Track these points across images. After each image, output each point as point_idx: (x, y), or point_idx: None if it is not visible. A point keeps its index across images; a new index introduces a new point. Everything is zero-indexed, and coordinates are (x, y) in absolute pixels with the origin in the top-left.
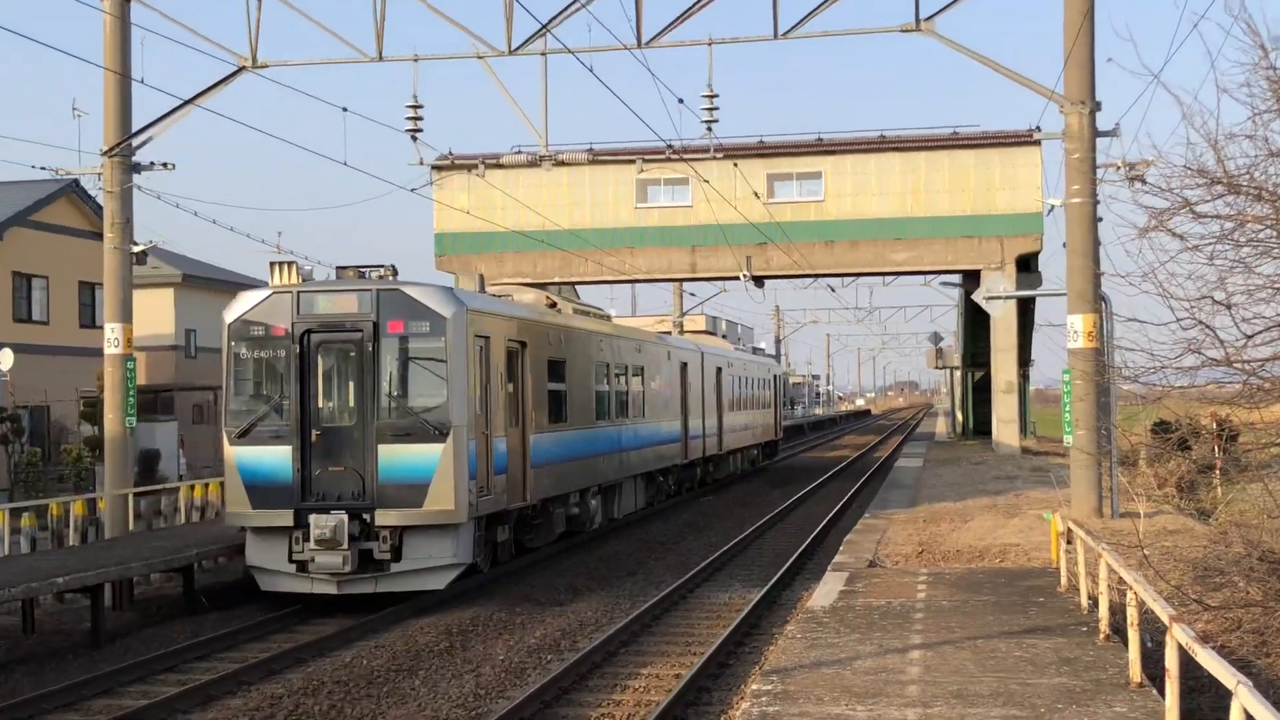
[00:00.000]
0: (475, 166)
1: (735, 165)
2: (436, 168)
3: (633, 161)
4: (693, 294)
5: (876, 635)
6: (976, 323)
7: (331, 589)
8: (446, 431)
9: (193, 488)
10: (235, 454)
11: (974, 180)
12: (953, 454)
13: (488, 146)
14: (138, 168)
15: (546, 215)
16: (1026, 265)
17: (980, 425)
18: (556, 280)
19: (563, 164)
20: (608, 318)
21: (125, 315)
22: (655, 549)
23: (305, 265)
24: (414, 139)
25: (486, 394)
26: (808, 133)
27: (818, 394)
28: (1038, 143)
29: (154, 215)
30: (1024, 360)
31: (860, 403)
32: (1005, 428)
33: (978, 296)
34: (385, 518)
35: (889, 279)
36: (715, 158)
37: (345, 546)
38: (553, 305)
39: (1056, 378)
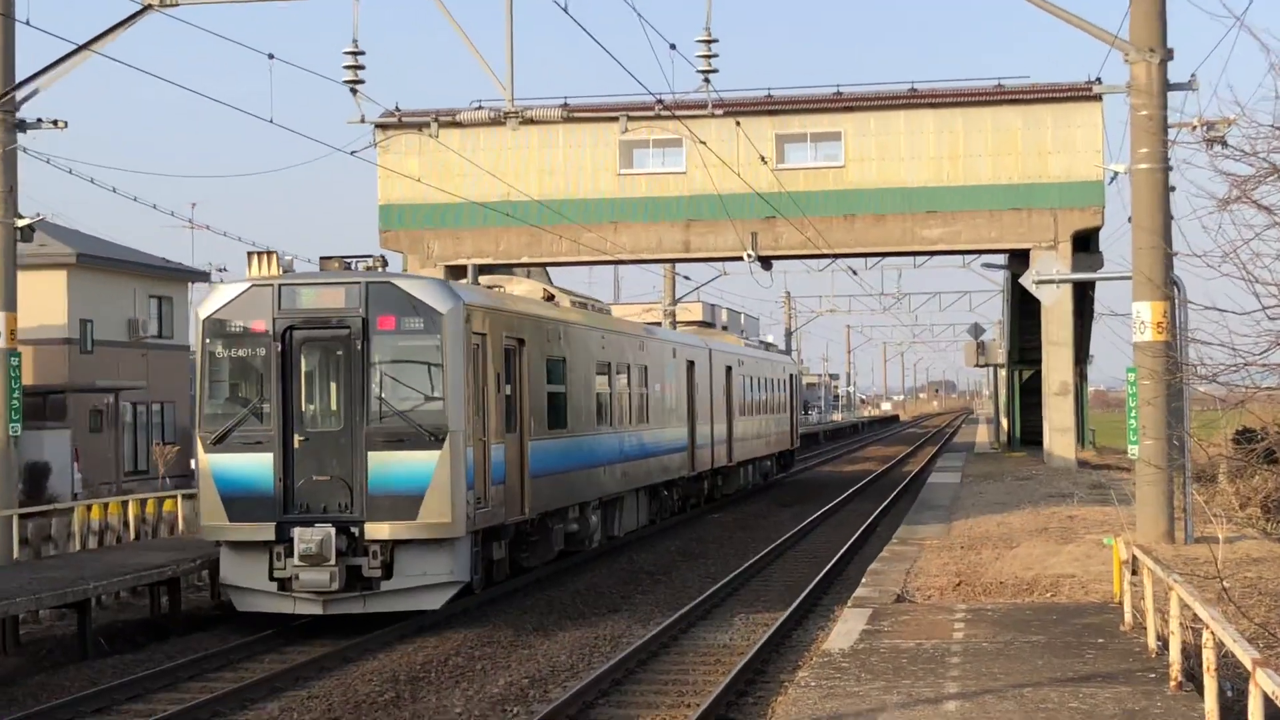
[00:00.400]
0: (427, 125)
1: (738, 124)
2: (381, 126)
3: (615, 119)
4: (687, 278)
5: (905, 683)
6: (1025, 312)
7: (316, 609)
8: (443, 437)
9: (90, 508)
10: (211, 462)
11: (1022, 143)
12: (996, 468)
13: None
14: (22, 125)
15: (512, 183)
16: (1084, 244)
17: (1029, 434)
18: (524, 261)
19: (532, 122)
20: (607, 310)
21: (8, 302)
22: (644, 580)
23: (286, 255)
24: (354, 92)
25: (483, 396)
26: (825, 85)
27: (835, 396)
28: (1098, 98)
29: (43, 182)
30: (1081, 356)
31: (886, 407)
32: (1058, 436)
33: (1026, 280)
34: (376, 531)
35: (921, 260)
36: (714, 115)
37: (333, 562)
38: (550, 298)
39: (1119, 377)
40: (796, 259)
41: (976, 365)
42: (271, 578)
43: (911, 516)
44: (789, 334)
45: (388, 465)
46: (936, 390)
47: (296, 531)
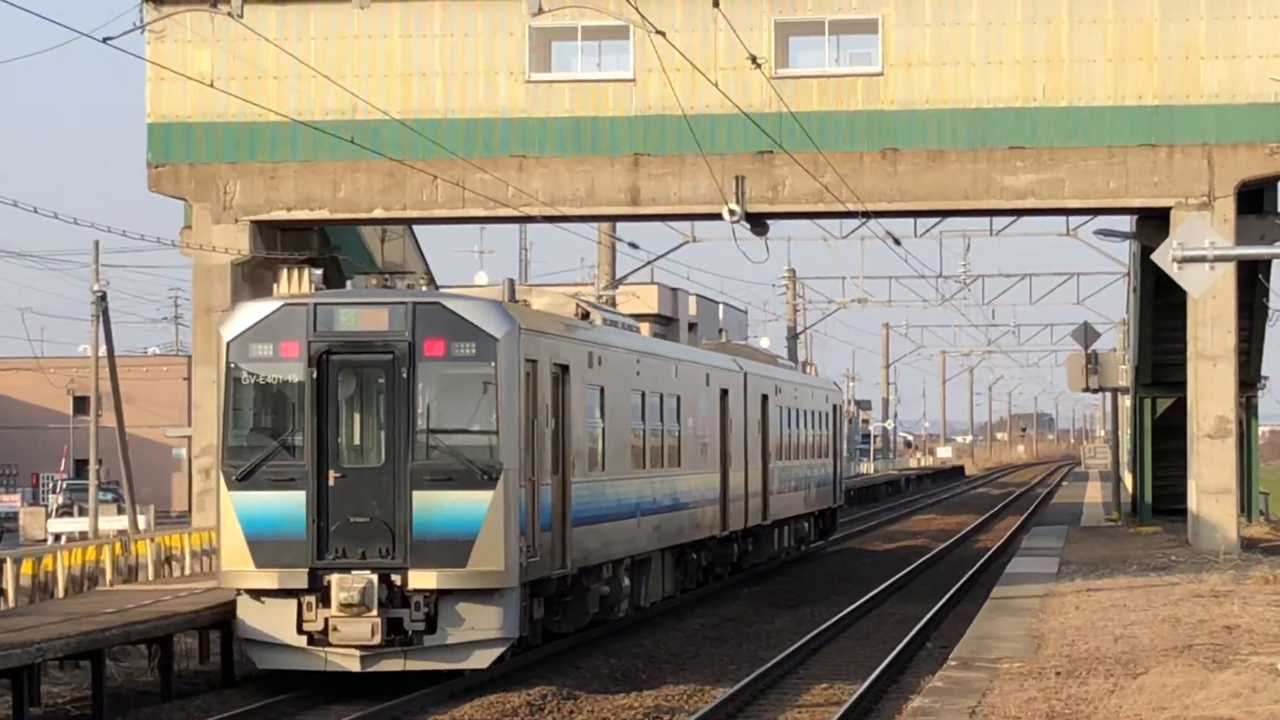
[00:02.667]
0: None
1: (716, 5)
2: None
3: None
4: (634, 245)
5: None
6: (1162, 308)
7: (354, 665)
8: (496, 475)
9: None
10: (235, 500)
11: (1159, 39)
12: (1113, 550)
13: None
14: None
15: (360, 93)
16: (1255, 201)
17: (1166, 497)
18: (377, 215)
19: None
20: (634, 328)
21: None
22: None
23: (317, 271)
24: None
25: (533, 431)
26: None
27: (866, 436)
28: None
29: None
30: (1249, 377)
31: (945, 453)
32: (1212, 502)
33: (1163, 257)
34: (421, 580)
35: (1001, 224)
36: None
37: (374, 613)
38: (585, 316)
39: None
40: (806, 218)
41: (1086, 389)
42: (300, 630)
43: (981, 624)
44: (793, 335)
45: (435, 506)
46: (1023, 429)
47: (334, 579)
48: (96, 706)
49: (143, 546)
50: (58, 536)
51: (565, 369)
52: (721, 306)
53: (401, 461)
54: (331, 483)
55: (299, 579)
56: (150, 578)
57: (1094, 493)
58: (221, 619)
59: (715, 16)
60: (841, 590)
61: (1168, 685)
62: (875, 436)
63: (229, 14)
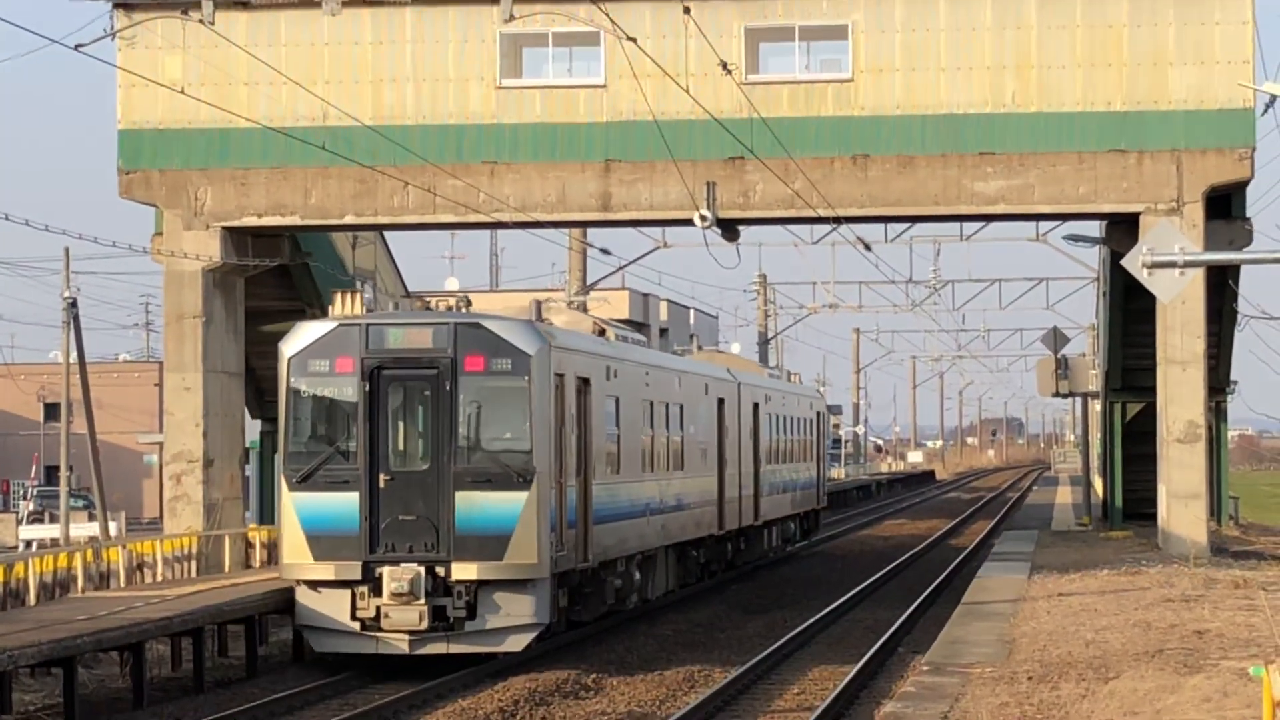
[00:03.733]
0: (196, 5)
1: (687, 11)
2: (123, 6)
3: (495, 1)
4: (605, 251)
5: None
6: (1131, 313)
7: (402, 648)
8: (530, 477)
9: None
10: (295, 500)
11: (1128, 45)
12: (1084, 555)
13: None
14: None
15: (331, 99)
16: (1224, 206)
17: (1136, 502)
18: (349, 221)
19: (365, 3)
20: (643, 342)
21: None
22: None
23: (367, 295)
24: None
25: (561, 437)
26: None
27: (837, 440)
28: None
29: None
30: (1218, 382)
31: (916, 458)
32: (1182, 507)
33: (1133, 262)
34: (462, 571)
35: (971, 229)
36: None
37: (422, 601)
38: (601, 333)
39: (1278, 415)
40: (777, 224)
41: (1056, 394)
42: (354, 617)
43: (953, 629)
44: (764, 340)
45: (475, 505)
46: (993, 433)
47: (386, 570)
48: (68, 713)
49: (114, 553)
50: (29, 543)
51: (587, 382)
52: (693, 312)
53: (445, 465)
54: (382, 485)
55: (353, 571)
56: (122, 584)
57: (1064, 497)
58: (193, 625)
59: (686, 23)
60: (813, 595)
61: (1139, 690)
62: (846, 441)
63: (200, 21)
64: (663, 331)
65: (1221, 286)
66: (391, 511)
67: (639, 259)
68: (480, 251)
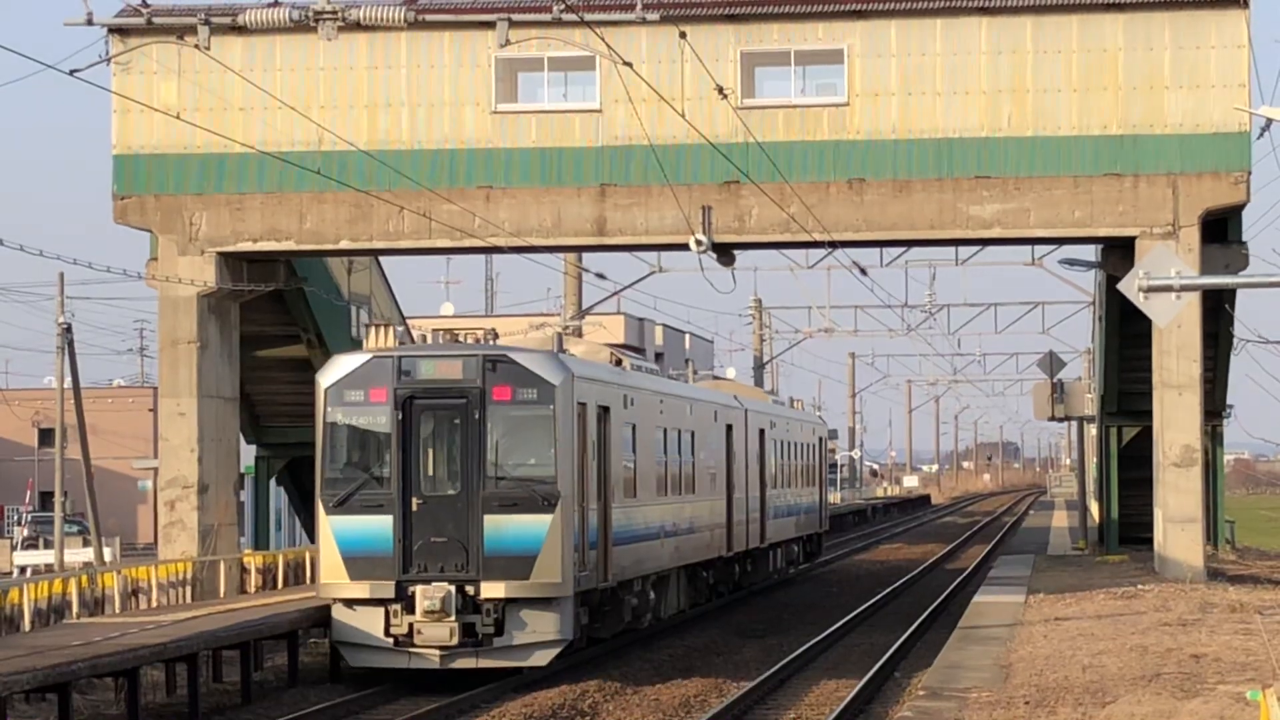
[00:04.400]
0: (192, 30)
1: (683, 36)
2: (119, 31)
3: (491, 26)
4: (601, 275)
5: None
6: (1127, 337)
7: (434, 664)
8: (555, 501)
9: None
10: (332, 523)
11: (1124, 70)
12: (1081, 579)
13: None
14: None
15: (327, 124)
16: (1219, 230)
17: (1133, 526)
18: (344, 246)
19: (360, 27)
20: (656, 371)
21: None
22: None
23: (399, 328)
24: None
25: (583, 463)
26: None
27: (833, 465)
28: (1243, 3)
29: None
30: (1214, 406)
31: (912, 482)
32: (1179, 531)
33: (1129, 287)
34: (491, 590)
35: (967, 253)
36: (645, 21)
37: (453, 618)
38: (618, 363)
39: (1274, 439)
40: (772, 248)
41: (1052, 418)
42: (388, 634)
43: (949, 653)
44: (760, 365)
45: (503, 527)
46: (989, 457)
47: (419, 589)
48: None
49: (109, 579)
50: (23, 569)
51: (606, 410)
52: (688, 336)
53: (474, 490)
54: (414, 508)
55: (387, 590)
56: (117, 610)
57: (1060, 521)
58: (188, 651)
59: (682, 47)
60: (810, 620)
61: (1136, 715)
62: (841, 466)
63: (195, 46)
64: (658, 356)
65: (1217, 310)
66: (423, 534)
67: (634, 284)
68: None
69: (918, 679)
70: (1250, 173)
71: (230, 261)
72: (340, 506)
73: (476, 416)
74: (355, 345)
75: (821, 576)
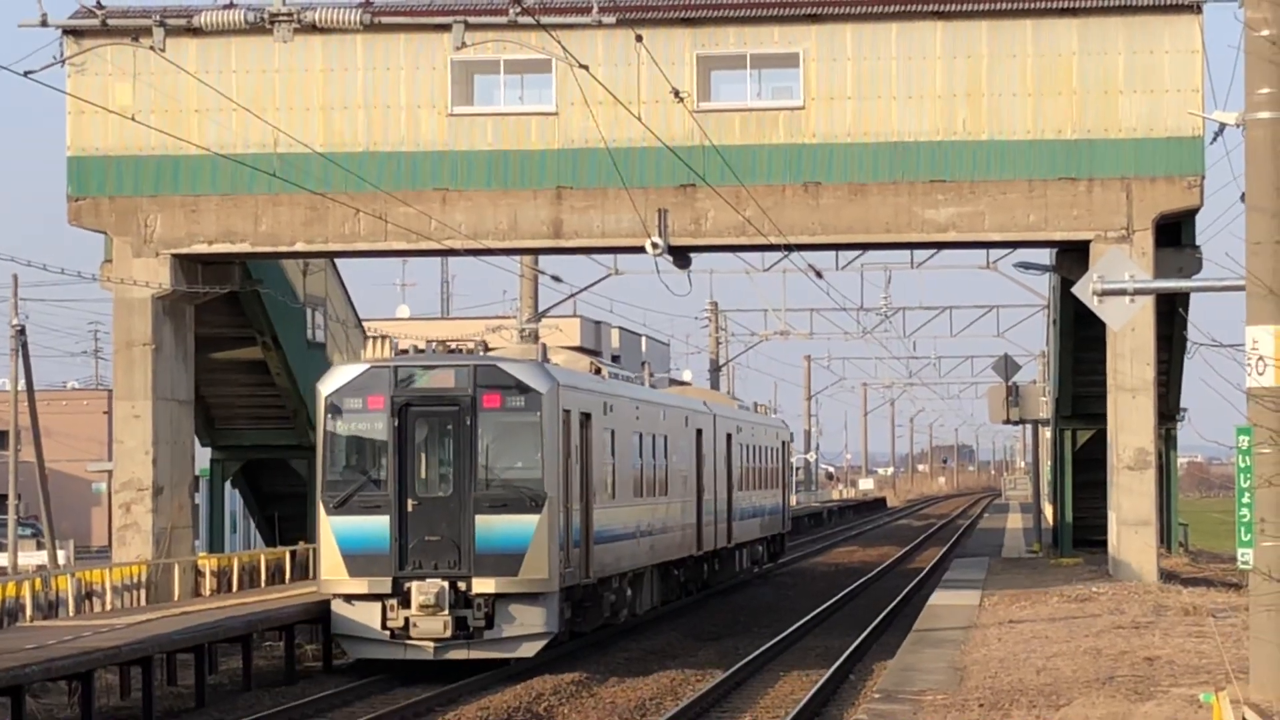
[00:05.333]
0: (147, 31)
1: (639, 39)
2: (73, 32)
3: (447, 29)
4: (557, 278)
5: None
6: (1082, 340)
7: (427, 655)
8: (542, 502)
9: None
10: (333, 523)
11: (1078, 74)
12: (1035, 581)
13: None
14: None
15: (282, 126)
16: (1173, 234)
17: (1086, 529)
18: (299, 248)
19: (315, 29)
20: (631, 379)
21: None
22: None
23: (397, 340)
24: None
25: (567, 466)
26: None
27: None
28: (1196, 8)
29: None
30: (1168, 409)
31: (867, 485)
32: (1132, 534)
33: (1083, 290)
34: (482, 585)
35: (922, 256)
36: (601, 24)
37: (446, 612)
38: (598, 371)
39: (1226, 442)
40: (729, 251)
41: (1007, 421)
42: (384, 627)
43: (904, 656)
44: (716, 368)
45: (492, 527)
46: (944, 461)
47: (415, 585)
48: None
49: (63, 582)
50: None
51: (588, 416)
52: (644, 339)
53: (466, 491)
54: (410, 509)
55: (384, 585)
56: (71, 613)
57: (1015, 524)
58: (143, 655)
59: (638, 51)
60: (765, 623)
61: (1090, 717)
62: (797, 468)
63: (151, 48)
64: (614, 358)
65: (1171, 314)
66: (418, 533)
67: (590, 286)
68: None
69: (873, 682)
70: (1204, 177)
71: (185, 263)
72: (340, 507)
73: (468, 423)
74: (310, 347)
75: (779, 580)
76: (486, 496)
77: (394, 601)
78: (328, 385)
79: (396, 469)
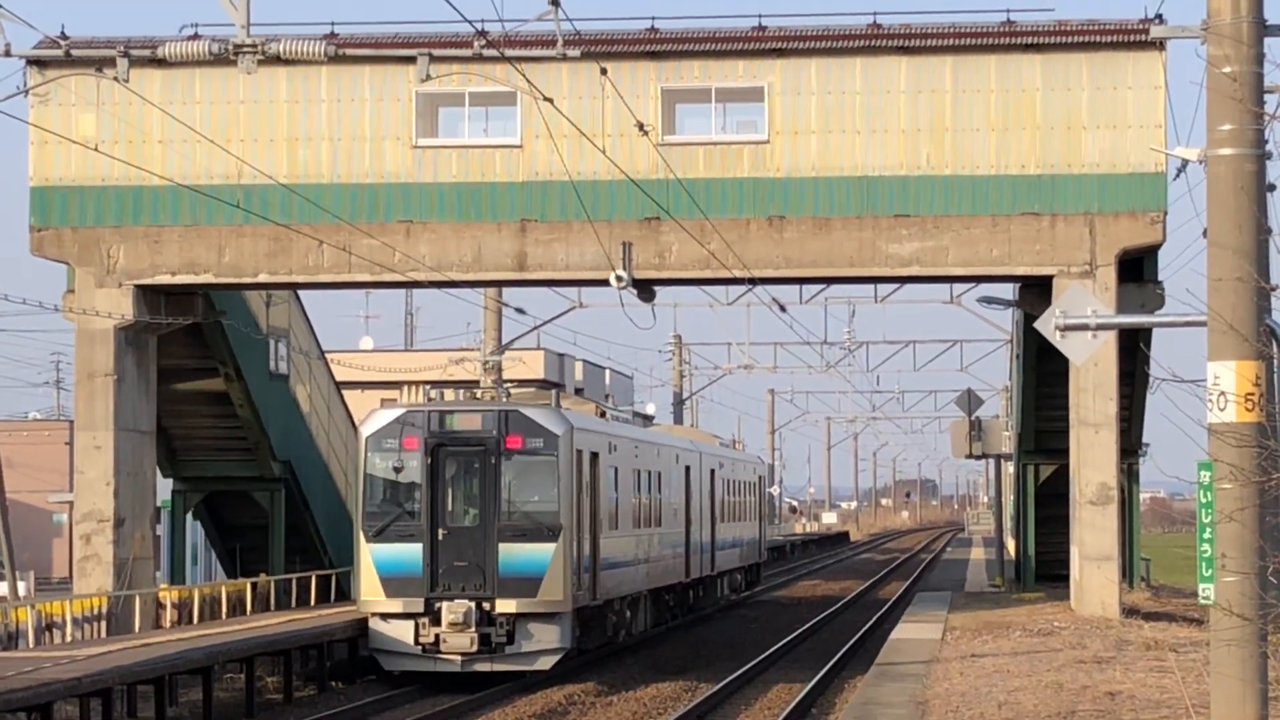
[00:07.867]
0: (111, 62)
1: (604, 73)
2: (37, 63)
3: (412, 60)
4: (521, 310)
5: None
6: (1044, 375)
7: (456, 667)
8: (558, 532)
9: None
10: (372, 550)
11: (1042, 110)
12: (997, 617)
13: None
14: None
15: (246, 157)
16: (1135, 269)
17: (1049, 564)
18: (262, 280)
19: (280, 61)
20: (630, 420)
21: None
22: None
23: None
24: None
25: (579, 500)
26: (740, 15)
27: None
28: (1159, 45)
29: None
30: (1130, 444)
31: (830, 519)
32: (1094, 569)
33: (1046, 325)
34: (504, 606)
35: (886, 290)
36: (565, 57)
37: (472, 629)
38: (602, 414)
39: (1188, 478)
40: (693, 284)
41: (970, 456)
42: (417, 642)
43: (866, 690)
44: (679, 401)
45: (514, 554)
46: (908, 494)
47: (444, 605)
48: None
49: (23, 613)
50: None
51: (596, 455)
52: (608, 372)
53: (490, 522)
54: (440, 538)
55: (418, 605)
56: (30, 645)
57: (978, 557)
58: (103, 686)
59: (603, 84)
60: (727, 656)
61: None
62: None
63: (114, 78)
64: (578, 391)
65: (1133, 349)
66: (448, 559)
67: (554, 319)
68: (395, 310)
69: (834, 716)
70: (1166, 213)
71: (148, 294)
72: (378, 536)
73: (493, 461)
74: (273, 379)
75: (740, 614)
76: (509, 526)
77: (426, 620)
78: (368, 428)
79: (429, 502)
